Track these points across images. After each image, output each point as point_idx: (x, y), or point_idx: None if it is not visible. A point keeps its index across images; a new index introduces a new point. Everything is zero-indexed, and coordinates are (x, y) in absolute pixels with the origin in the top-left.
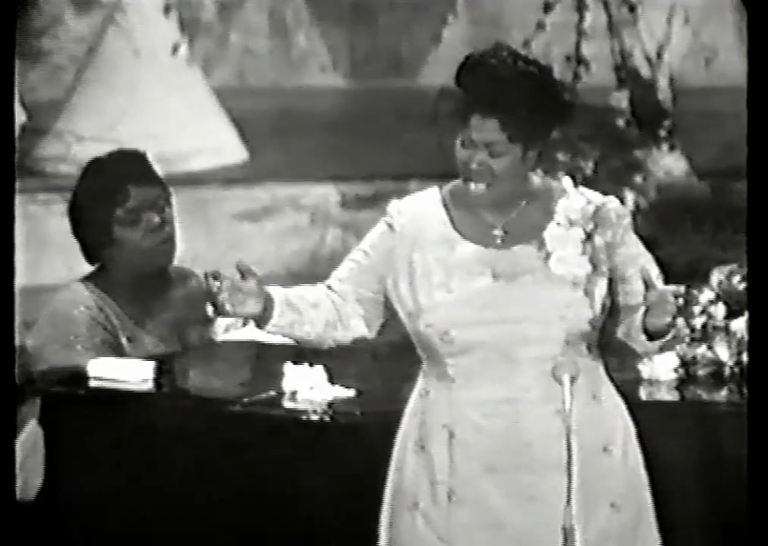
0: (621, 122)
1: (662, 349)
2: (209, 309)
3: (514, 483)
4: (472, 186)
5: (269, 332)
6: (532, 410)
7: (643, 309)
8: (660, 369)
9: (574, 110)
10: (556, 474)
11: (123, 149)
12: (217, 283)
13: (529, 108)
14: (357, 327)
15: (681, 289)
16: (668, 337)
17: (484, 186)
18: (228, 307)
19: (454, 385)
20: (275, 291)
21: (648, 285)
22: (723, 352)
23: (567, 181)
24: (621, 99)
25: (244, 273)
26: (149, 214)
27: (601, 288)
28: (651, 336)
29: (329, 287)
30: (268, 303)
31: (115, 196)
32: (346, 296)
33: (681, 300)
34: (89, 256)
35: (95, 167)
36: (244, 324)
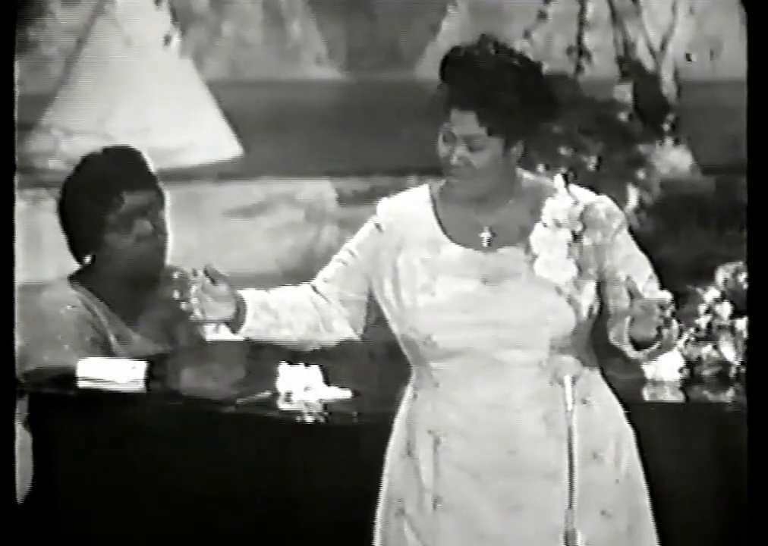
0: (624, 116)
1: (649, 358)
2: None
3: (501, 490)
4: (453, 181)
5: (244, 336)
6: (518, 416)
7: (628, 318)
8: (664, 370)
9: (560, 106)
10: (544, 481)
11: (120, 146)
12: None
13: (508, 101)
14: (341, 329)
15: (668, 298)
16: (654, 347)
17: (464, 182)
18: (197, 313)
19: (438, 390)
20: (250, 295)
21: (633, 295)
22: (729, 352)
23: (558, 180)
24: (624, 92)
25: (213, 277)
26: (141, 222)
27: (588, 291)
28: (637, 345)
29: (314, 288)
30: (240, 307)
31: (109, 201)
32: (330, 297)
33: (669, 311)
34: (77, 254)
35: (90, 166)
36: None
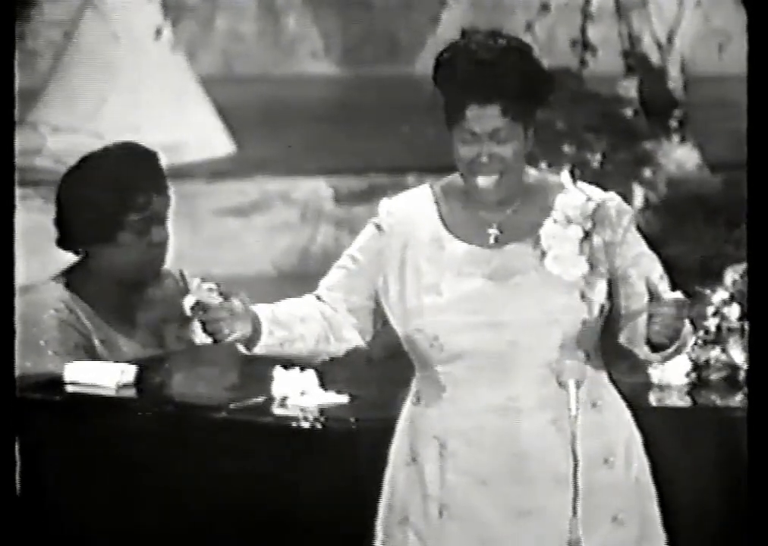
0: (629, 112)
1: (665, 360)
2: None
3: (508, 496)
4: (480, 180)
5: (258, 354)
6: (526, 420)
7: (645, 317)
8: (671, 373)
9: (554, 79)
10: (552, 486)
11: (143, 146)
12: (200, 310)
13: (520, 83)
14: (351, 337)
15: (685, 298)
16: (672, 349)
17: (494, 179)
18: (216, 334)
19: (444, 394)
20: (261, 309)
21: (653, 295)
22: (737, 355)
23: (565, 176)
24: (629, 88)
25: (227, 295)
26: (158, 228)
27: (600, 290)
28: (654, 347)
29: (318, 298)
30: (255, 324)
31: (136, 199)
32: (337, 305)
33: (686, 310)
34: (74, 244)
35: (117, 158)
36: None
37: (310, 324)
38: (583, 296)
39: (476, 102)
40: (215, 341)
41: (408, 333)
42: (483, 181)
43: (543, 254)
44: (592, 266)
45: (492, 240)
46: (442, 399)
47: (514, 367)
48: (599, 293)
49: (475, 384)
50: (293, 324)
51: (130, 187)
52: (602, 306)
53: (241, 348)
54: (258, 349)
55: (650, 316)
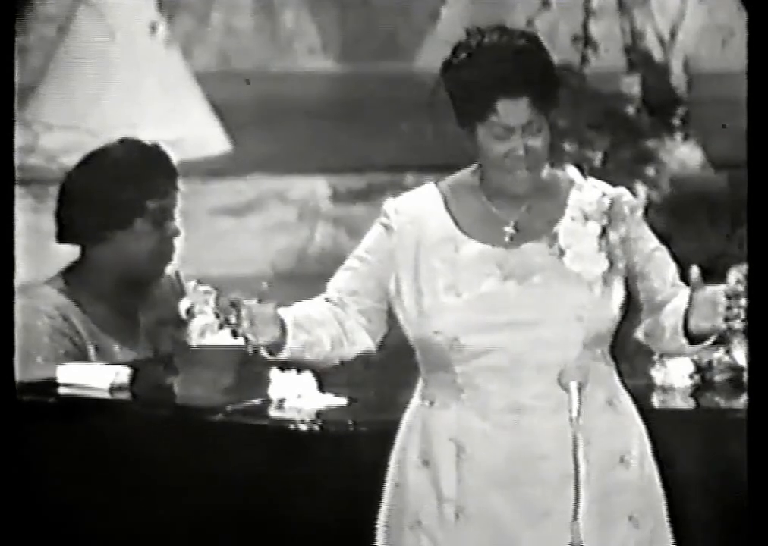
0: (631, 110)
1: (695, 353)
2: (192, 332)
3: (527, 498)
4: (513, 175)
5: (281, 359)
6: (546, 420)
7: (670, 309)
8: (674, 375)
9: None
10: (571, 487)
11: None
12: (233, 313)
13: (541, 73)
14: (362, 341)
15: (740, 287)
16: (710, 340)
17: (526, 173)
18: (251, 338)
19: (462, 395)
20: (284, 313)
21: (695, 285)
22: (741, 356)
23: (574, 172)
24: (631, 85)
25: (261, 298)
26: (172, 224)
27: (618, 286)
28: (692, 339)
29: (328, 300)
30: (282, 327)
31: (156, 184)
32: (348, 308)
33: (742, 300)
34: (80, 236)
35: (145, 148)
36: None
37: (327, 327)
38: (604, 293)
39: (507, 96)
40: (249, 347)
41: (425, 334)
42: (515, 175)
43: (562, 252)
44: (611, 263)
45: (507, 239)
46: (460, 400)
47: (534, 366)
48: (619, 290)
49: (494, 384)
50: (312, 327)
51: (149, 173)
52: (622, 303)
53: (265, 353)
54: (283, 354)
55: (694, 305)
